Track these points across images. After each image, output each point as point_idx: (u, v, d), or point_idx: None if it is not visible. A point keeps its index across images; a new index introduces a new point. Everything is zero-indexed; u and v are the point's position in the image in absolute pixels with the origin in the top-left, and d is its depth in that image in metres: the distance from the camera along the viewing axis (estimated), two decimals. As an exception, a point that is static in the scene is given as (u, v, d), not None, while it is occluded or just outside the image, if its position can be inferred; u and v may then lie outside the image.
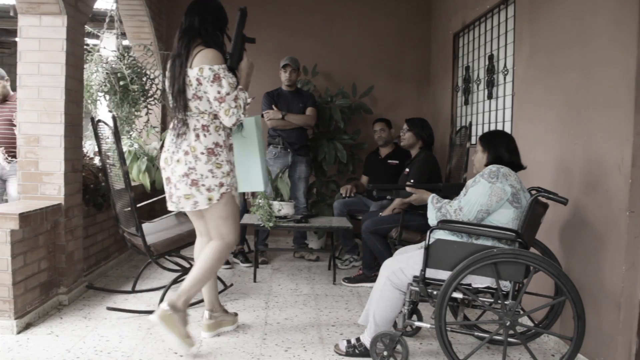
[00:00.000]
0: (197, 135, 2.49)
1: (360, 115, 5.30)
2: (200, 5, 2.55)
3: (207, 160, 2.48)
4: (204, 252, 2.64)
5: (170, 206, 2.62)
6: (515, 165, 2.48)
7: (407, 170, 3.86)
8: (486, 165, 2.51)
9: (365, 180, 4.66)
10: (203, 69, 2.43)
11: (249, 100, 2.53)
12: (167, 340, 2.47)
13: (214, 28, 2.55)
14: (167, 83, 2.61)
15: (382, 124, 4.56)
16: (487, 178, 2.36)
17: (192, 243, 3.45)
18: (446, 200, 2.49)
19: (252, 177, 2.73)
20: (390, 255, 3.28)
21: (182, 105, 2.49)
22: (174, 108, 2.53)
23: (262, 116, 4.42)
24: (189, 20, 2.54)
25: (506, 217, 2.36)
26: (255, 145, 2.70)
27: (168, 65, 2.58)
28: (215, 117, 2.53)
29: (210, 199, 2.52)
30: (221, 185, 2.52)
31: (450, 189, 2.85)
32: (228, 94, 2.44)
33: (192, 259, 3.61)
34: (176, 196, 2.55)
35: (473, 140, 4.03)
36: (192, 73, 2.45)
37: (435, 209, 2.47)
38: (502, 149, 2.48)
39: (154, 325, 2.61)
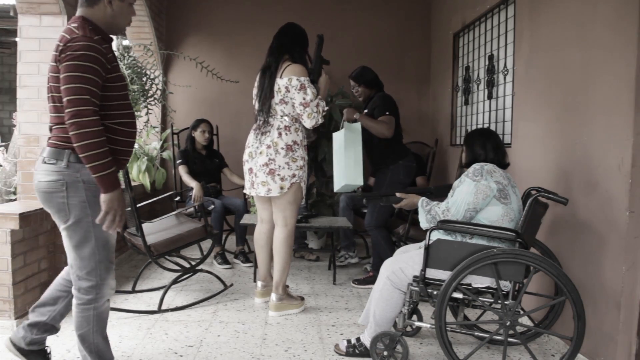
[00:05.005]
0: (280, 134, 3.00)
1: (360, 115, 5.29)
2: (290, 29, 3.14)
3: (285, 154, 3.00)
4: (276, 245, 3.14)
5: (251, 192, 3.14)
6: (500, 162, 2.47)
7: (365, 111, 3.82)
8: (466, 164, 2.52)
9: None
10: (292, 79, 2.96)
11: (325, 108, 3.06)
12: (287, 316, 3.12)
13: (300, 48, 3.10)
14: (254, 91, 3.15)
15: None
16: (471, 177, 2.37)
17: (192, 243, 3.47)
18: (435, 203, 2.49)
19: (353, 174, 3.28)
20: (392, 253, 3.28)
21: (267, 107, 3.01)
22: (260, 110, 3.05)
23: None
24: (279, 40, 3.09)
25: (495, 214, 2.35)
26: (360, 146, 3.32)
27: (257, 76, 3.13)
28: (296, 120, 3.05)
29: (282, 188, 3.02)
30: (293, 176, 3.03)
31: (443, 191, 2.85)
32: (312, 100, 2.97)
33: (192, 259, 3.64)
34: (256, 183, 3.06)
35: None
36: (282, 82, 2.97)
37: (425, 211, 2.47)
38: (478, 147, 2.48)
39: (274, 318, 3.09)
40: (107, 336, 2.21)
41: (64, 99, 1.89)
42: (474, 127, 4.16)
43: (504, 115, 3.65)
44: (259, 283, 3.38)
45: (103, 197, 1.95)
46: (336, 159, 3.37)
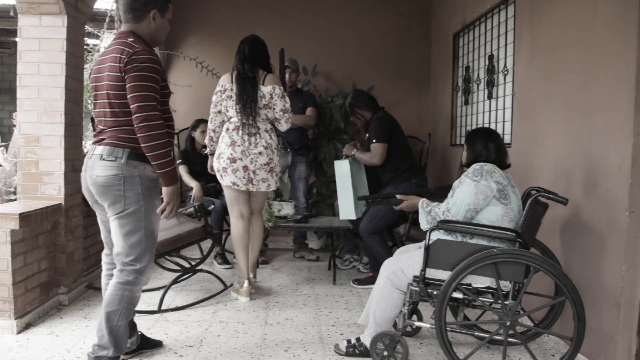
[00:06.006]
0: (270, 136, 3.35)
1: (360, 115, 5.29)
2: (259, 42, 3.40)
3: (277, 153, 3.39)
4: (257, 231, 3.50)
5: (249, 188, 3.34)
6: (502, 162, 2.46)
7: (368, 135, 3.83)
8: (467, 163, 2.51)
9: None
10: (275, 87, 3.31)
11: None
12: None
13: (268, 60, 3.41)
14: (226, 94, 3.32)
15: None
16: (471, 177, 2.36)
17: (192, 243, 3.47)
18: (435, 204, 2.48)
19: (344, 207, 3.67)
20: (389, 254, 3.28)
21: (253, 111, 3.27)
22: (244, 114, 3.27)
23: None
24: (251, 50, 3.33)
25: (495, 214, 2.35)
26: (349, 182, 3.69)
27: (228, 81, 3.34)
28: (271, 122, 3.39)
29: (276, 182, 3.42)
30: (280, 171, 3.46)
31: (443, 192, 2.84)
32: (290, 107, 3.36)
33: (192, 259, 3.63)
34: (256, 180, 3.32)
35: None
36: (266, 89, 3.30)
37: (425, 212, 2.47)
38: (480, 147, 2.46)
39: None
40: (128, 328, 2.30)
41: (133, 106, 2.11)
42: (474, 127, 4.15)
43: (504, 115, 3.65)
44: (245, 282, 3.42)
45: (165, 190, 2.24)
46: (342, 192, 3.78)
